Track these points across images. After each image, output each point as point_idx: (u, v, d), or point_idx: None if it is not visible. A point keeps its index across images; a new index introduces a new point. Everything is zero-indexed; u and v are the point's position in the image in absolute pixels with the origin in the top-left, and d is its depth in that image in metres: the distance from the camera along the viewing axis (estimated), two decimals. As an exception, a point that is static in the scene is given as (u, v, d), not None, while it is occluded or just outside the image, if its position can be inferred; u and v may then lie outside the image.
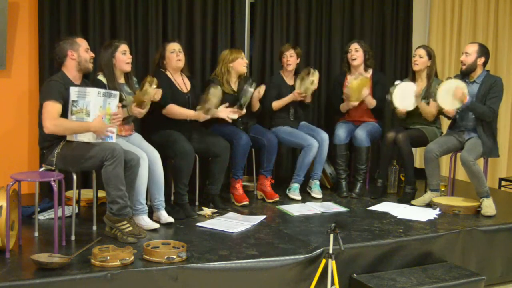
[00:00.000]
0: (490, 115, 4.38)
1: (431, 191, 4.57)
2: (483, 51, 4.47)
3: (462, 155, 4.30)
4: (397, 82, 4.81)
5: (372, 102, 4.95)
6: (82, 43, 3.65)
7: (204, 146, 4.37)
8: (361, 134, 4.88)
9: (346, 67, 5.14)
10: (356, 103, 4.89)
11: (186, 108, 4.31)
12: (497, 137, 4.52)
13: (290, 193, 4.77)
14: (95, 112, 3.47)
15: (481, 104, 4.39)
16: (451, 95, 4.37)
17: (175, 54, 4.33)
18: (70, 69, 3.62)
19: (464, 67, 4.48)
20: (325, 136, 4.87)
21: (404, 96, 4.73)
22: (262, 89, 4.70)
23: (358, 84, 4.81)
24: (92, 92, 3.47)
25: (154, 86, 3.85)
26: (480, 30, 6.26)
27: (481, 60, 4.45)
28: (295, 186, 4.80)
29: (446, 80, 4.48)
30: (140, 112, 3.91)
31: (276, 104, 4.94)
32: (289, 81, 5.00)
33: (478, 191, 4.34)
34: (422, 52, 4.80)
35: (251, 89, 4.49)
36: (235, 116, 4.40)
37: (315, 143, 4.76)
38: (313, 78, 4.73)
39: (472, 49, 4.46)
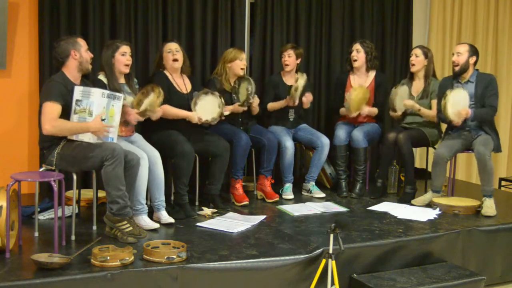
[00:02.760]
0: (493, 113, 4.41)
1: (433, 192, 4.56)
2: (474, 50, 4.49)
3: (478, 149, 4.27)
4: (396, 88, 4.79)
5: (373, 112, 4.95)
6: (83, 44, 3.65)
7: (204, 146, 4.37)
8: (358, 135, 4.87)
9: (348, 67, 5.13)
10: (355, 114, 4.88)
11: (185, 108, 4.30)
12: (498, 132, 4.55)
13: (283, 194, 4.79)
14: (98, 112, 3.47)
15: (478, 103, 4.39)
16: (456, 109, 4.34)
17: (171, 54, 4.32)
18: (71, 69, 3.62)
19: (457, 68, 4.48)
20: (325, 140, 4.87)
21: (402, 100, 4.76)
22: (255, 101, 4.66)
23: (357, 98, 4.78)
24: (97, 93, 3.47)
25: (161, 99, 3.87)
26: (480, 30, 6.26)
27: (472, 60, 4.47)
28: (287, 187, 4.82)
29: (451, 92, 4.40)
30: (138, 119, 3.90)
31: (271, 106, 4.96)
32: (288, 81, 4.99)
33: (484, 188, 4.32)
34: (418, 51, 4.81)
35: (252, 100, 4.56)
36: (227, 112, 4.39)
37: (287, 143, 4.76)
38: (297, 84, 4.73)
39: (463, 48, 4.47)
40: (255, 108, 4.74)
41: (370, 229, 3.88)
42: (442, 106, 4.36)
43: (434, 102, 4.74)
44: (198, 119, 4.23)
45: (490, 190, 4.31)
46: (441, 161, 4.44)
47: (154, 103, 3.87)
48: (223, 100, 4.29)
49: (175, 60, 4.33)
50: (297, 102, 4.79)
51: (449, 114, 4.33)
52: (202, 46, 5.09)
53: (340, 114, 5.12)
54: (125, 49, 3.94)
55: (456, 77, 4.51)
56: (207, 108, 4.26)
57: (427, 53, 4.82)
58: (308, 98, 4.84)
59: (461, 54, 4.45)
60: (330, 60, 5.64)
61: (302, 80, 4.74)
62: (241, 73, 4.67)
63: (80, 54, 3.61)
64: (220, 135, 4.48)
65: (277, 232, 3.82)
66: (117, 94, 3.61)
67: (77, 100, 3.47)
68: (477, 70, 4.54)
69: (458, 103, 4.33)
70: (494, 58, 6.40)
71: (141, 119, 3.91)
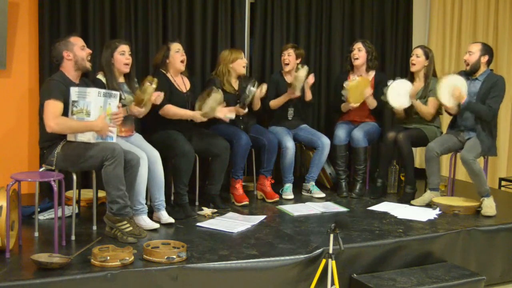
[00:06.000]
0: (489, 114, 4.36)
1: (431, 191, 4.56)
2: (487, 50, 4.47)
3: (462, 154, 4.30)
4: (389, 82, 4.77)
5: (373, 103, 4.94)
6: (76, 42, 3.63)
7: (204, 146, 4.37)
8: (358, 134, 4.87)
9: (348, 66, 5.13)
10: (356, 105, 4.88)
11: (185, 107, 4.31)
12: (496, 136, 4.52)
13: (283, 194, 4.79)
14: (96, 112, 3.47)
15: (480, 103, 4.39)
16: (450, 92, 4.37)
17: (179, 54, 4.33)
18: (68, 69, 3.62)
19: (468, 67, 4.48)
20: (326, 141, 4.87)
21: (398, 94, 4.73)
22: (264, 87, 4.68)
23: (355, 86, 4.79)
24: (93, 92, 3.47)
25: (154, 85, 3.85)
26: (480, 30, 6.26)
27: (484, 59, 4.45)
28: (287, 187, 4.83)
29: (447, 76, 4.45)
30: (139, 111, 3.90)
31: (273, 103, 4.95)
32: (289, 79, 4.99)
33: (479, 190, 4.34)
34: (419, 51, 4.80)
35: (254, 89, 4.49)
36: (233, 116, 4.39)
37: (289, 143, 4.76)
38: (297, 74, 4.70)
39: (476, 48, 4.47)
40: (257, 102, 4.73)
41: (370, 229, 3.88)
42: (435, 91, 4.38)
43: (431, 99, 4.72)
44: (200, 118, 4.22)
45: (485, 190, 4.32)
46: (432, 155, 4.44)
47: (148, 90, 3.85)
48: (220, 92, 4.27)
49: (183, 61, 4.35)
50: (298, 93, 4.77)
51: (440, 97, 4.34)
52: (202, 46, 5.09)
53: (342, 110, 5.11)
54: (123, 48, 3.94)
55: (467, 75, 4.51)
56: (213, 107, 4.25)
57: (428, 53, 4.81)
58: (309, 81, 4.82)
59: (473, 53, 4.45)
60: (330, 60, 5.64)
61: (303, 71, 4.71)
62: (244, 70, 4.70)
63: (73, 53, 3.60)
64: (220, 135, 4.48)
65: (277, 232, 3.82)
66: (113, 92, 3.61)
67: (73, 101, 3.47)
68: (490, 70, 4.52)
69: (448, 87, 4.34)
70: (494, 58, 6.37)
71: (142, 111, 3.90)
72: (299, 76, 4.70)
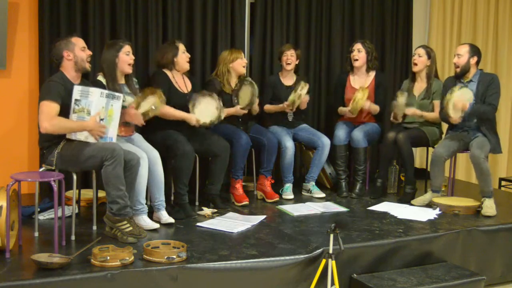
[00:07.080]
0: (492, 112, 4.39)
1: (433, 192, 4.56)
2: (475, 50, 4.47)
3: (473, 153, 4.28)
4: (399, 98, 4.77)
5: (376, 109, 4.95)
6: (77, 42, 3.63)
7: (204, 146, 4.37)
8: (358, 135, 4.87)
9: (348, 67, 5.13)
10: (355, 115, 4.91)
11: (185, 108, 4.30)
12: (497, 133, 4.53)
13: (283, 194, 4.79)
14: (96, 112, 3.46)
15: (480, 103, 4.39)
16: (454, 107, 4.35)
17: (185, 55, 4.35)
18: (68, 70, 3.62)
19: (458, 70, 4.48)
20: (326, 141, 4.87)
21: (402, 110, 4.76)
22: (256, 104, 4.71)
23: (363, 101, 4.77)
24: (95, 92, 3.46)
25: (163, 98, 3.86)
26: (480, 30, 6.27)
27: (473, 60, 4.45)
28: (287, 186, 4.83)
29: (455, 92, 4.39)
30: (140, 123, 3.89)
31: (268, 108, 4.97)
32: (286, 81, 5.00)
33: (483, 189, 4.33)
34: (421, 51, 4.80)
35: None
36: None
37: (288, 143, 4.77)
38: (301, 92, 4.72)
39: (464, 50, 4.46)
40: (255, 109, 4.75)
41: (370, 229, 3.88)
42: (445, 101, 4.36)
43: (436, 103, 4.73)
44: (196, 121, 4.23)
45: (489, 191, 4.31)
46: (439, 160, 4.44)
47: (157, 106, 3.86)
48: (221, 103, 4.29)
49: (188, 61, 4.36)
50: (294, 109, 4.82)
51: (449, 110, 4.33)
52: (202, 46, 5.09)
53: (339, 113, 5.12)
54: (128, 48, 3.93)
55: (458, 78, 4.51)
56: (206, 110, 4.25)
57: (430, 53, 4.81)
58: (304, 99, 4.83)
59: (462, 55, 4.45)
60: (330, 60, 5.64)
61: (304, 89, 4.72)
62: (243, 71, 4.71)
63: (73, 53, 3.59)
64: (220, 135, 4.48)
65: (277, 232, 3.82)
66: (116, 94, 3.60)
67: (76, 100, 3.47)
68: (480, 70, 4.53)
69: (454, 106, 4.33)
70: (494, 58, 6.40)
71: (143, 122, 3.91)
72: (301, 95, 4.70)
